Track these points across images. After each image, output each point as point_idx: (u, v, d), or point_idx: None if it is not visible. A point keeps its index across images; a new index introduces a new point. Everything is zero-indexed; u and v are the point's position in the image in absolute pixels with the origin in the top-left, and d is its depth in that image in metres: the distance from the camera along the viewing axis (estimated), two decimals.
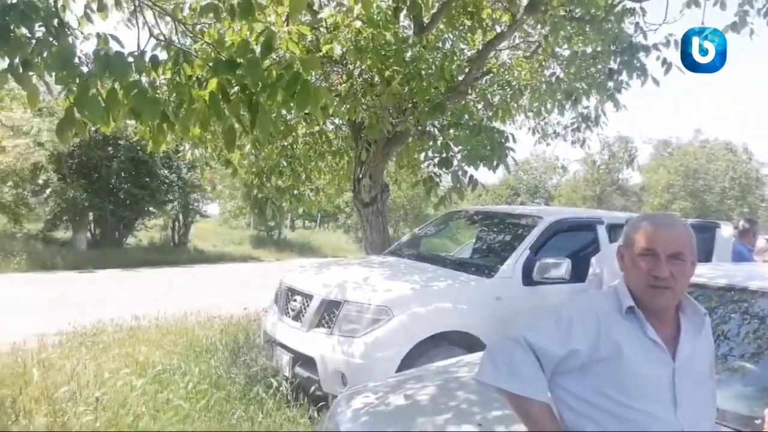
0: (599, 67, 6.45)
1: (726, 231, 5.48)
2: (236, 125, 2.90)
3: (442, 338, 4.08)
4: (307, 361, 4.19)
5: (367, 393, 2.77)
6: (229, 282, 13.07)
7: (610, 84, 6.44)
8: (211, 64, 2.77)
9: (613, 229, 5.10)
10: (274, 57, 3.62)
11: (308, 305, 4.42)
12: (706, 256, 5.15)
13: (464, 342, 4.04)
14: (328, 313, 4.26)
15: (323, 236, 29.14)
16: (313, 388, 4.06)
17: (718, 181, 34.00)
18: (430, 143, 6.33)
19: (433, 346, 4.03)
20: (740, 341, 2.46)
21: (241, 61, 2.68)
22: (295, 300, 4.62)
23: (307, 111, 3.06)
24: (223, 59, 2.73)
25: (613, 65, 6.28)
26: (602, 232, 5.06)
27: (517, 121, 8.34)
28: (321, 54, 4.72)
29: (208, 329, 6.42)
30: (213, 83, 2.79)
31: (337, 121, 7.35)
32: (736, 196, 34.37)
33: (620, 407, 1.49)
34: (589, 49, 6.60)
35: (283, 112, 4.20)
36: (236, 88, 2.82)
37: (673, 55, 5.76)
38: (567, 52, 6.89)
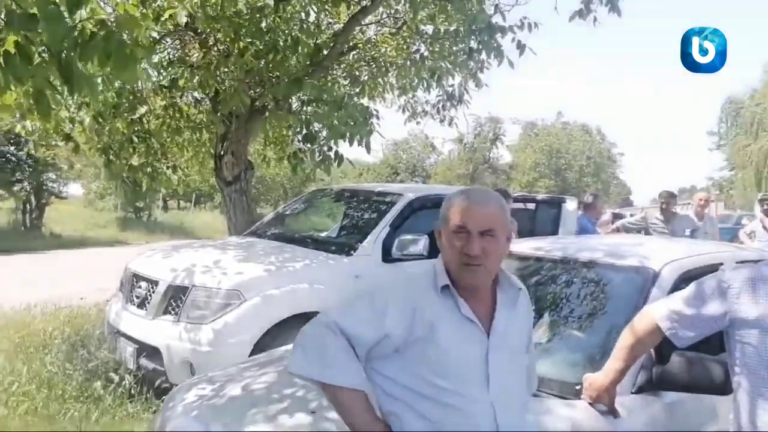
0: (461, 46, 6.55)
1: (571, 205, 5.84)
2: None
3: (299, 320, 3.94)
4: (153, 352, 3.88)
5: (203, 384, 2.57)
6: (87, 268, 11.99)
7: (471, 63, 6.57)
8: (3, 18, 2.36)
9: None
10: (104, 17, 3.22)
11: (153, 291, 4.08)
12: (553, 229, 5.45)
13: None
14: (175, 299, 3.96)
15: (198, 217, 27.83)
16: (159, 381, 3.76)
17: (577, 160, 36.92)
18: (293, 118, 6.10)
19: (290, 328, 3.88)
20: (568, 311, 2.56)
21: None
22: (140, 286, 4.25)
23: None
24: (19, 12, 2.34)
25: (474, 45, 6.40)
26: None
27: (387, 99, 8.32)
28: (164, 19, 4.31)
29: (50, 322, 5.80)
30: (9, 41, 2.39)
31: (197, 94, 6.89)
32: (591, 174, 37.60)
33: (434, 389, 1.43)
34: (452, 28, 6.67)
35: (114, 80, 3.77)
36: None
37: (527, 38, 5.99)
38: (431, 30, 6.92)
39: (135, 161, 6.37)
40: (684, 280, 2.36)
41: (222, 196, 6.96)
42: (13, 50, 2.37)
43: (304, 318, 3.93)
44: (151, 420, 3.43)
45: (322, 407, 2.13)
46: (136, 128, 5.92)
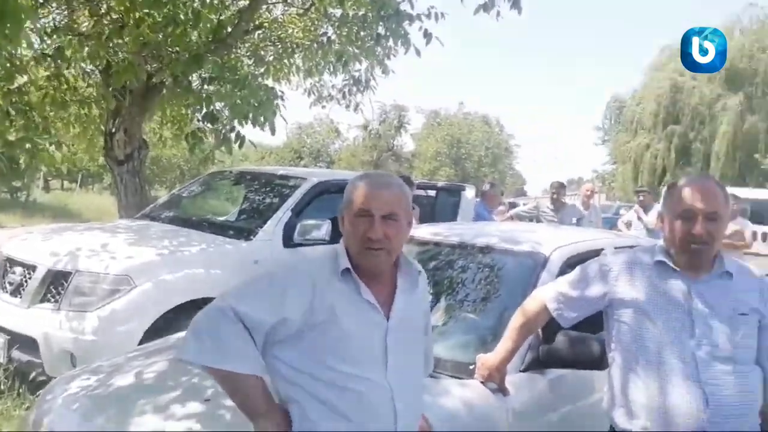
0: (369, 31, 6.53)
1: (469, 193, 6.05)
2: None
3: (193, 307, 3.78)
4: (27, 343, 3.57)
5: (86, 375, 2.41)
6: None
7: (379, 49, 6.58)
8: None
9: None
10: None
11: (30, 278, 3.75)
12: (452, 215, 5.62)
13: None
14: (55, 285, 3.67)
15: (85, 199, 25.90)
16: (34, 374, 3.47)
17: (477, 150, 38.30)
18: (193, 96, 5.82)
19: (185, 315, 3.72)
20: (464, 294, 2.65)
21: None
22: (13, 272, 3.89)
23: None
24: None
25: (381, 31, 6.41)
26: None
27: (292, 81, 8.16)
28: None
29: None
30: None
31: (86, 66, 6.38)
32: (489, 164, 39.18)
33: (333, 373, 1.42)
34: (360, 12, 6.64)
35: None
36: None
37: (434, 27, 6.09)
38: (339, 13, 6.85)
39: (12, 136, 5.80)
40: (570, 264, 2.51)
41: (112, 176, 6.54)
42: None
43: (199, 304, 3.79)
44: (24, 417, 3.18)
45: (217, 395, 2.06)
46: (13, 99, 5.38)
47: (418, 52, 6.35)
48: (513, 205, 11.39)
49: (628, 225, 7.23)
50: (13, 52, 5.09)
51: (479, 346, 2.31)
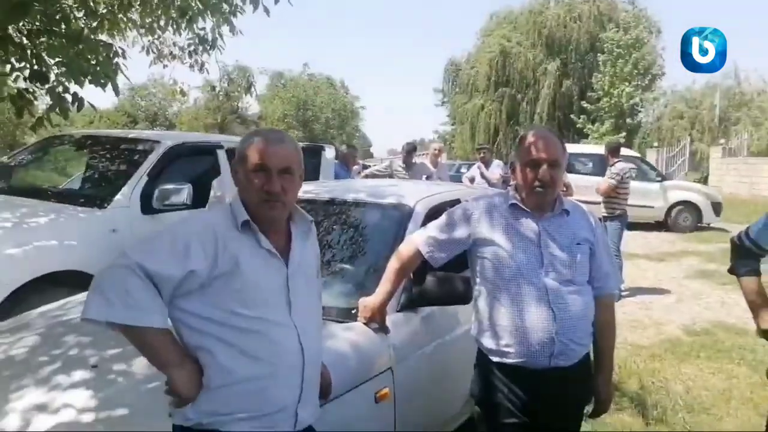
0: None
1: (329, 153, 6.21)
2: None
3: (48, 281, 3.53)
4: None
5: None
6: None
7: (225, 6, 6.34)
8: None
9: (233, 153, 5.18)
10: None
11: None
12: (314, 174, 5.73)
13: (77, 282, 3.57)
14: None
15: None
16: None
17: (323, 113, 38.34)
18: (17, 52, 5.17)
19: (37, 291, 3.47)
20: (341, 247, 2.82)
21: None
22: None
23: None
24: None
25: None
26: (222, 156, 5.09)
27: (129, 37, 7.54)
28: None
29: None
30: None
31: None
32: (337, 126, 39.49)
33: (240, 318, 1.51)
34: None
35: None
36: None
37: None
38: None
39: None
40: (432, 214, 2.79)
41: None
42: None
43: (51, 280, 3.55)
44: None
45: (104, 359, 2.04)
46: None
47: (267, 12, 6.22)
48: (364, 167, 11.76)
49: (472, 180, 7.89)
50: None
51: (359, 292, 2.51)
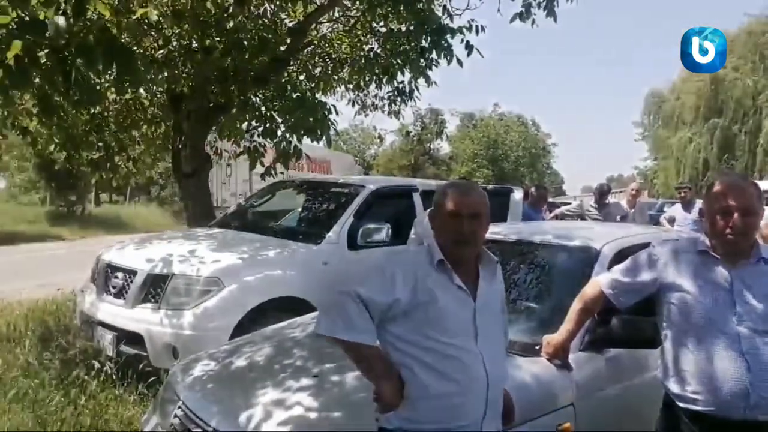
0: (412, 44, 6.90)
1: (517, 195, 6.35)
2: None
3: (273, 305, 4.21)
4: (134, 338, 4.07)
5: (204, 360, 2.84)
6: (28, 264, 11.64)
7: (422, 61, 6.94)
8: (14, 25, 2.52)
9: (427, 195, 5.63)
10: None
11: (132, 281, 4.25)
12: (502, 216, 5.93)
13: (295, 307, 4.21)
14: (155, 287, 4.15)
15: (134, 211, 26.99)
16: (141, 365, 3.95)
17: (513, 151, 38.25)
18: (254, 114, 6.29)
19: (265, 313, 4.15)
20: (527, 286, 2.98)
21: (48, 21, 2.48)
22: (116, 277, 4.40)
23: (127, 79, 2.92)
24: (27, 18, 2.50)
25: (425, 44, 6.77)
26: (417, 198, 5.55)
27: (337, 92, 8.60)
28: (135, 18, 4.43)
29: (6, 316, 5.78)
30: (17, 46, 2.54)
31: (151, 88, 6.94)
32: (527, 164, 39.04)
33: (436, 343, 1.78)
34: (403, 28, 7.01)
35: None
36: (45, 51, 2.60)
37: (474, 39, 6.43)
38: (383, 29, 7.24)
39: (93, 155, 6.40)
40: (620, 257, 2.82)
41: (180, 188, 7.06)
42: (23, 55, 2.53)
43: (275, 304, 4.22)
44: (148, 398, 3.65)
45: (323, 372, 2.46)
46: (96, 122, 5.95)
47: (460, 64, 6.68)
48: (552, 205, 11.56)
49: (671, 221, 7.39)
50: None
51: (543, 329, 2.64)
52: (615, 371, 2.59)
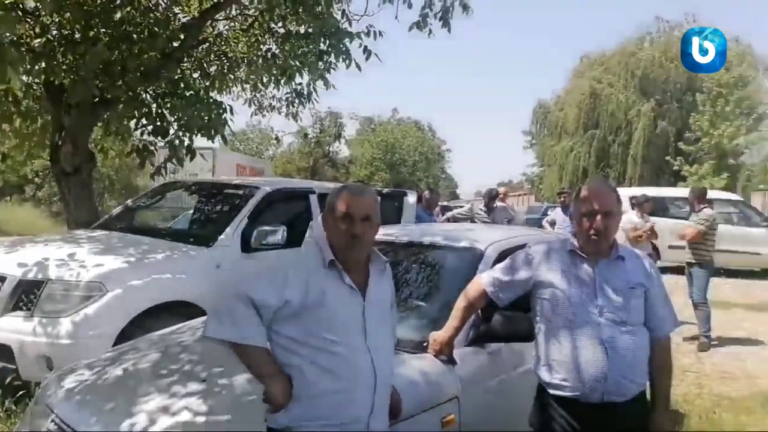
0: (311, 47, 6.91)
1: (411, 198, 6.55)
2: None
3: (162, 310, 4.05)
4: (2, 350, 3.73)
5: (81, 370, 2.68)
6: None
7: (321, 64, 6.97)
8: None
9: (324, 198, 5.64)
10: None
11: None
12: (396, 218, 6.08)
13: (186, 312, 4.07)
14: (27, 294, 3.85)
15: (5, 211, 24.65)
16: (9, 379, 3.64)
17: (410, 156, 39.19)
18: (144, 110, 6.00)
19: (153, 318, 3.98)
20: (416, 285, 3.10)
21: None
22: None
23: None
24: None
25: (323, 47, 6.81)
26: (314, 200, 5.56)
27: (233, 92, 8.40)
28: (9, 2, 4.09)
29: None
30: None
31: (26, 78, 6.41)
32: (423, 169, 40.15)
33: (325, 342, 1.82)
34: (302, 30, 7.00)
35: None
36: None
37: (373, 44, 6.56)
38: (282, 30, 7.19)
39: None
40: (502, 257, 3.01)
41: (59, 188, 6.58)
42: None
43: (164, 309, 4.06)
44: (17, 414, 3.37)
45: (212, 375, 2.41)
46: None
47: (359, 68, 6.79)
48: (445, 209, 12.01)
49: (552, 224, 7.95)
50: None
51: (431, 326, 2.76)
52: (496, 364, 2.76)
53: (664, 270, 8.46)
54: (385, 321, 2.01)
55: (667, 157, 26.36)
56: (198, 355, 2.68)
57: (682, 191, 15.02)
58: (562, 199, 8.01)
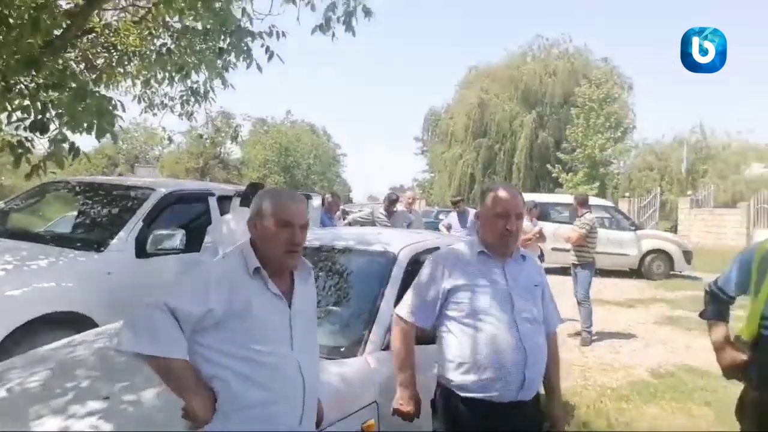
0: (210, 44, 6.63)
1: (316, 202, 6.50)
2: None
3: (46, 322, 3.69)
4: None
5: None
6: None
7: (219, 62, 6.71)
8: None
9: (223, 201, 5.44)
10: None
11: None
12: None
13: (73, 322, 3.75)
14: None
15: None
16: None
17: (305, 159, 38.89)
18: (21, 103, 5.42)
19: (35, 331, 3.63)
20: (330, 289, 3.07)
21: None
22: None
23: None
24: None
25: (223, 45, 6.55)
26: (213, 203, 5.34)
27: (122, 86, 7.86)
28: None
29: None
30: None
31: None
32: (318, 172, 39.99)
33: (251, 352, 1.75)
34: (200, 26, 6.70)
35: None
36: None
37: (275, 44, 6.42)
38: (178, 25, 6.84)
39: None
40: (414, 260, 3.07)
41: None
42: None
43: (49, 321, 3.70)
44: None
45: (115, 392, 2.23)
46: None
47: (260, 68, 6.59)
48: (344, 212, 12.01)
49: (448, 228, 8.22)
50: None
51: (348, 332, 2.75)
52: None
53: (548, 271, 9.05)
54: (311, 329, 1.98)
55: (548, 165, 28.27)
56: (97, 370, 2.48)
57: (561, 197, 16.22)
58: (458, 207, 8.31)
